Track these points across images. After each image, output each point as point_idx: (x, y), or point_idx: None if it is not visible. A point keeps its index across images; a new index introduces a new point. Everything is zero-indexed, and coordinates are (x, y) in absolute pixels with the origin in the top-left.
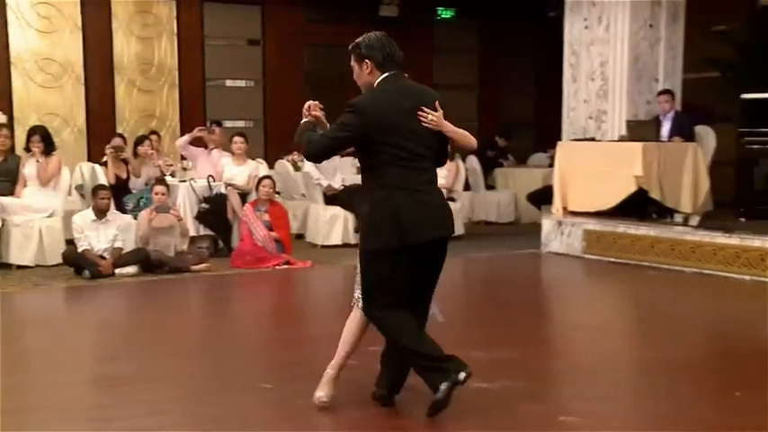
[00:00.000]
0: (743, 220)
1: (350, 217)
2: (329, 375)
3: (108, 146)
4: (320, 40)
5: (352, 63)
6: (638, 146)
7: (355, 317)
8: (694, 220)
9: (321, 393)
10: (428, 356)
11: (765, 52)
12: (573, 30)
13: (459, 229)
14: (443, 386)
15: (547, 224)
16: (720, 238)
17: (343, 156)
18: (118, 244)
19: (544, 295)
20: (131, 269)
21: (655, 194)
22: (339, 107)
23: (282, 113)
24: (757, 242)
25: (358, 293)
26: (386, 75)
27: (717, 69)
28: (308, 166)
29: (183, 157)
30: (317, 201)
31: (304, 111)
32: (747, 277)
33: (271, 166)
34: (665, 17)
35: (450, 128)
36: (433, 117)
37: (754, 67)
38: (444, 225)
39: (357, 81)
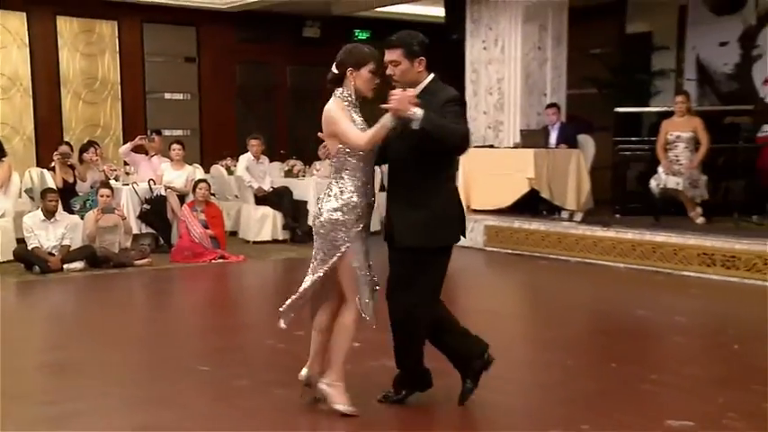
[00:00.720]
0: (618, 216)
1: (278, 216)
2: (340, 388)
3: (56, 153)
4: (250, 57)
5: (398, 58)
6: (530, 152)
7: (346, 323)
8: (578, 217)
9: (345, 407)
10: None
11: (633, 72)
12: (473, 51)
13: (376, 226)
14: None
15: None
16: (599, 232)
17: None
18: (66, 242)
19: (450, 284)
20: (78, 264)
21: (545, 194)
22: (266, 118)
23: (216, 123)
24: (630, 234)
25: (366, 299)
26: (433, 75)
27: (595, 86)
28: (239, 170)
29: (125, 163)
30: (249, 201)
31: (403, 99)
32: (622, 265)
33: (206, 171)
34: (551, 41)
35: None
36: None
37: (625, 85)
38: None
39: (399, 77)
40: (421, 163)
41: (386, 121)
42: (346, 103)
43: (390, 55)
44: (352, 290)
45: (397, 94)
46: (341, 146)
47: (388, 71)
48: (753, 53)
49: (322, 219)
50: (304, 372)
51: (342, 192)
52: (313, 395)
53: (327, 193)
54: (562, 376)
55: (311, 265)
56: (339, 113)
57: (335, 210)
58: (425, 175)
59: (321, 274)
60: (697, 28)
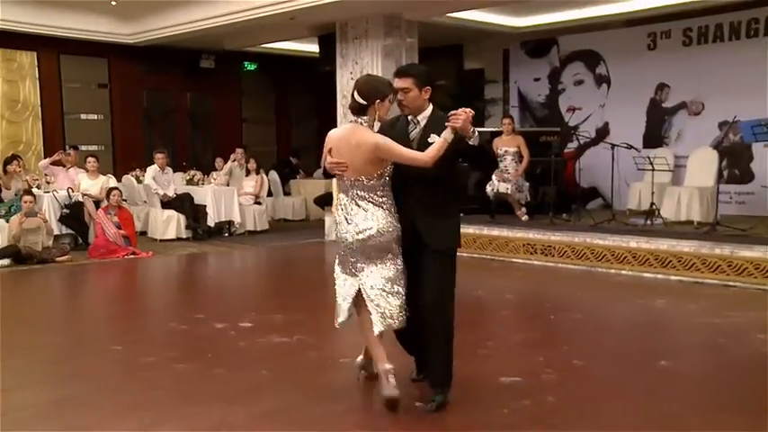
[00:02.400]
0: (461, 215)
1: (181, 218)
2: (388, 369)
3: None
4: (154, 84)
5: (409, 85)
6: None
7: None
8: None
9: (395, 392)
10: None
11: (471, 100)
12: (342, 80)
13: (264, 225)
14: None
15: (328, 220)
16: None
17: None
18: None
19: (325, 272)
20: (4, 261)
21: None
22: (169, 135)
23: (126, 140)
24: (471, 230)
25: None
26: (431, 104)
27: (441, 110)
28: (147, 179)
29: (46, 175)
30: (156, 206)
31: (467, 119)
32: (465, 254)
33: (119, 180)
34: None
35: None
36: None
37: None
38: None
39: (409, 102)
40: (447, 177)
41: (447, 136)
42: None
43: (403, 83)
44: None
45: (460, 113)
46: (389, 167)
47: (399, 96)
48: (558, 87)
49: (384, 233)
50: (359, 359)
51: (393, 206)
52: (364, 376)
53: (375, 211)
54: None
55: (350, 272)
56: (389, 141)
57: (392, 223)
58: (449, 188)
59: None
60: (517, 66)
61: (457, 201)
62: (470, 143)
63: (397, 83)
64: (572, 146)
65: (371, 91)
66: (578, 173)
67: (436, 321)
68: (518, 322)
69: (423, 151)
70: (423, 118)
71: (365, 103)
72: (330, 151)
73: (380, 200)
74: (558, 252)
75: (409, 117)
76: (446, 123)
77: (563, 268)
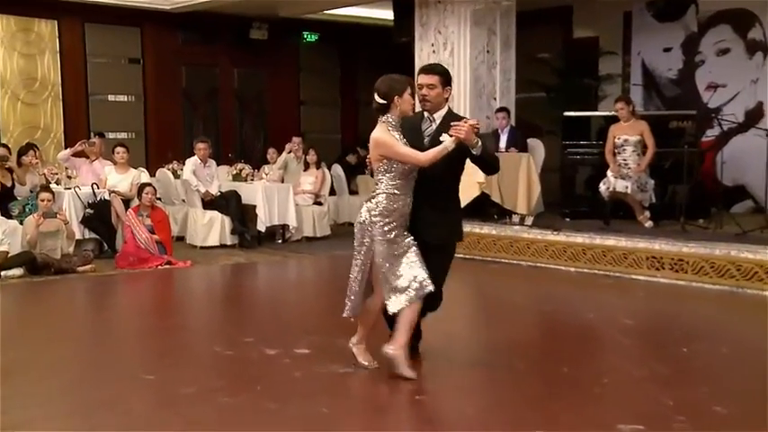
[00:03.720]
0: (567, 219)
1: (226, 220)
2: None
3: None
4: (196, 59)
5: (435, 82)
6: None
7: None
8: (529, 220)
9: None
10: None
11: (581, 76)
12: (422, 54)
13: (325, 230)
14: None
15: None
16: (550, 236)
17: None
18: (3, 247)
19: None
20: (17, 271)
21: (495, 198)
22: (213, 121)
23: (162, 126)
24: (579, 238)
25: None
26: (448, 106)
27: (543, 90)
28: (186, 173)
29: (66, 168)
30: (196, 205)
31: (470, 130)
32: (572, 269)
33: (152, 174)
34: (500, 45)
35: None
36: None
37: (573, 89)
38: None
39: (432, 99)
40: (452, 178)
41: (448, 144)
42: (390, 128)
43: (429, 79)
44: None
45: (462, 125)
46: (397, 164)
47: (423, 92)
48: (695, 59)
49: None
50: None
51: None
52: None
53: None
54: (512, 379)
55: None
56: (389, 139)
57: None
58: (453, 187)
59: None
60: (642, 34)
61: (458, 199)
62: (473, 152)
63: (424, 78)
64: (712, 133)
65: (388, 89)
66: (720, 167)
67: (436, 305)
68: (641, 354)
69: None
70: (438, 117)
71: (385, 101)
72: None
73: (384, 188)
74: (693, 268)
75: (426, 114)
76: (449, 132)
77: (698, 288)
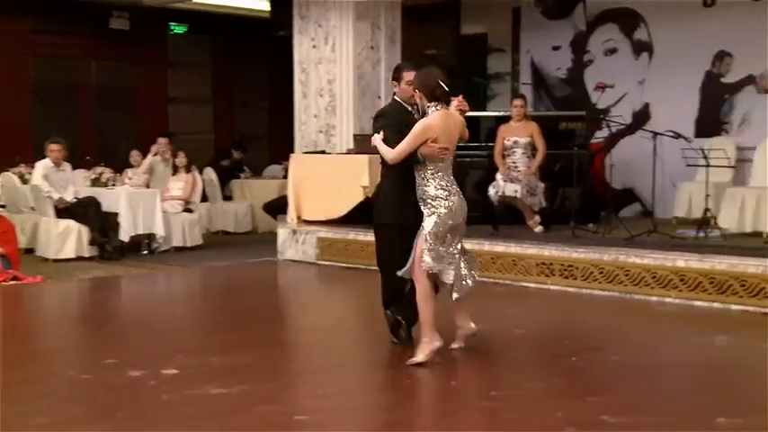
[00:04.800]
0: None
1: (84, 230)
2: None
3: None
4: (47, 50)
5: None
6: (364, 158)
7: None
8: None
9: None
10: None
11: (469, 74)
12: (302, 49)
13: (197, 240)
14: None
15: (282, 233)
16: None
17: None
18: None
19: (280, 300)
20: None
21: None
22: (69, 119)
23: (6, 125)
24: (467, 245)
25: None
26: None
27: None
28: (36, 178)
29: None
30: (48, 214)
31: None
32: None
33: None
34: (385, 40)
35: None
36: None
37: (461, 88)
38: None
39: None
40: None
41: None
42: None
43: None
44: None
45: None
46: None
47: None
48: (584, 58)
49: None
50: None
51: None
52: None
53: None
54: (398, 397)
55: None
56: None
57: None
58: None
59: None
60: (530, 31)
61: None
62: None
63: (410, 76)
64: (601, 135)
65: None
66: (609, 170)
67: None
68: (532, 365)
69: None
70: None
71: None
72: (436, 139)
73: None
74: (583, 274)
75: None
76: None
77: (589, 295)
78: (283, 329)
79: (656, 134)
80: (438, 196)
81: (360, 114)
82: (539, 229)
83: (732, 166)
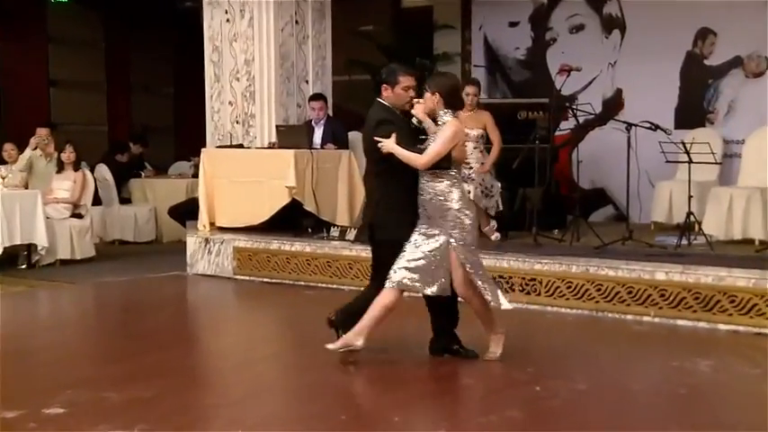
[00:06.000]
0: None
1: None
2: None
3: None
4: None
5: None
6: (289, 153)
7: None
8: (351, 234)
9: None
10: None
11: (412, 55)
12: (213, 23)
13: (88, 251)
14: None
15: (192, 242)
16: None
17: None
18: None
19: (189, 322)
20: None
21: (309, 207)
22: None
23: None
24: None
25: None
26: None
27: (366, 72)
28: None
29: None
30: None
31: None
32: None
33: None
34: (312, 14)
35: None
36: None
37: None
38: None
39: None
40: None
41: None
42: None
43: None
44: None
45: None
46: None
47: (412, 93)
48: (546, 37)
49: None
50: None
51: None
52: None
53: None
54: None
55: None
56: None
57: None
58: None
59: None
60: (484, 5)
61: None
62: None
63: (411, 82)
64: (567, 126)
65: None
66: (576, 167)
67: None
68: (486, 396)
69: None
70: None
71: None
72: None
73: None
74: (547, 288)
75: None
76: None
77: (554, 313)
78: (193, 355)
79: (630, 125)
80: (463, 207)
81: (283, 101)
82: (495, 236)
83: (718, 163)
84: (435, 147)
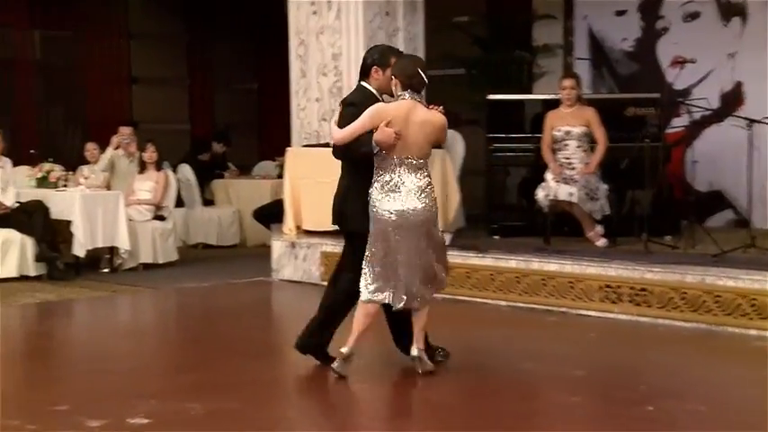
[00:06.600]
0: (496, 237)
1: (29, 242)
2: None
3: None
4: None
5: None
6: None
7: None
8: (445, 239)
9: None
10: None
11: (510, 48)
12: (299, 15)
13: (170, 255)
14: None
15: (277, 246)
16: (473, 259)
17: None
18: None
19: (274, 331)
20: None
21: None
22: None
23: None
24: (512, 263)
25: None
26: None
27: (460, 66)
28: None
29: None
30: None
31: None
32: (503, 303)
33: None
34: (403, 5)
35: None
36: None
37: (500, 65)
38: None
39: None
40: None
41: None
42: None
43: None
44: None
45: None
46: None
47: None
48: (656, 26)
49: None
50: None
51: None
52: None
53: (425, 189)
54: None
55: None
56: None
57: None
58: None
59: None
60: None
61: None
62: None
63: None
64: (680, 123)
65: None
66: (690, 167)
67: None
68: (594, 416)
69: None
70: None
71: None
72: (388, 123)
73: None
74: (659, 300)
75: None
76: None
77: (666, 326)
78: (278, 366)
79: (751, 122)
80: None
81: None
82: (601, 242)
83: None
84: (352, 125)
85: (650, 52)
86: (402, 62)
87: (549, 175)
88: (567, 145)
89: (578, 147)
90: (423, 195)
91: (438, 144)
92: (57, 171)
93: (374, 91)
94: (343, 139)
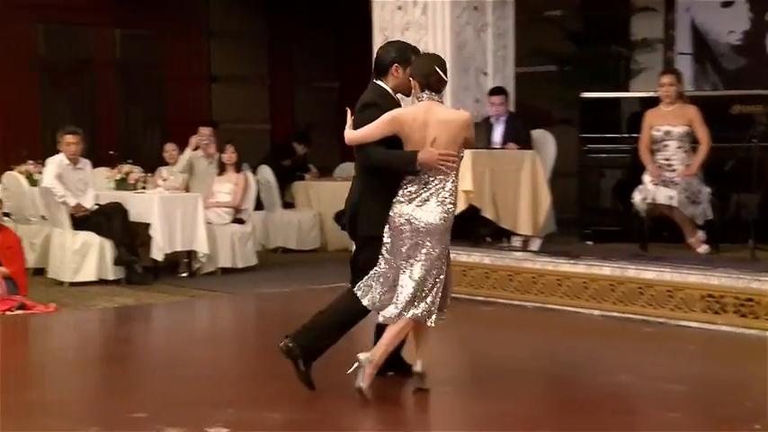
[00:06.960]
0: (590, 243)
1: (107, 245)
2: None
3: None
4: (55, 15)
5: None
6: (467, 154)
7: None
8: (535, 244)
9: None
10: None
11: (606, 43)
12: (383, 12)
13: (249, 259)
14: None
15: None
16: (565, 266)
17: None
18: None
19: (352, 339)
20: None
21: (488, 214)
22: (86, 104)
23: (10, 111)
24: (607, 269)
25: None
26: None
27: (553, 63)
28: (48, 179)
29: None
30: (63, 225)
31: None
32: (596, 312)
33: None
34: (492, 0)
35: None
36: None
37: (595, 61)
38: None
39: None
40: None
41: None
42: None
43: None
44: None
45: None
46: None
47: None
48: (766, 17)
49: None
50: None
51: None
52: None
53: (437, 196)
54: None
55: (408, 262)
56: None
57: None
58: None
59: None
60: None
61: None
62: None
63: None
64: None
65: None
66: None
67: None
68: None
69: None
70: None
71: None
72: (433, 143)
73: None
74: (767, 311)
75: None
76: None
77: None
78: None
79: None
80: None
81: (459, 96)
82: (703, 248)
83: None
84: (367, 128)
85: (759, 46)
86: (419, 61)
87: (646, 178)
88: (666, 145)
89: (679, 147)
90: (440, 206)
91: (468, 144)
92: (135, 173)
93: (390, 90)
94: (356, 140)
